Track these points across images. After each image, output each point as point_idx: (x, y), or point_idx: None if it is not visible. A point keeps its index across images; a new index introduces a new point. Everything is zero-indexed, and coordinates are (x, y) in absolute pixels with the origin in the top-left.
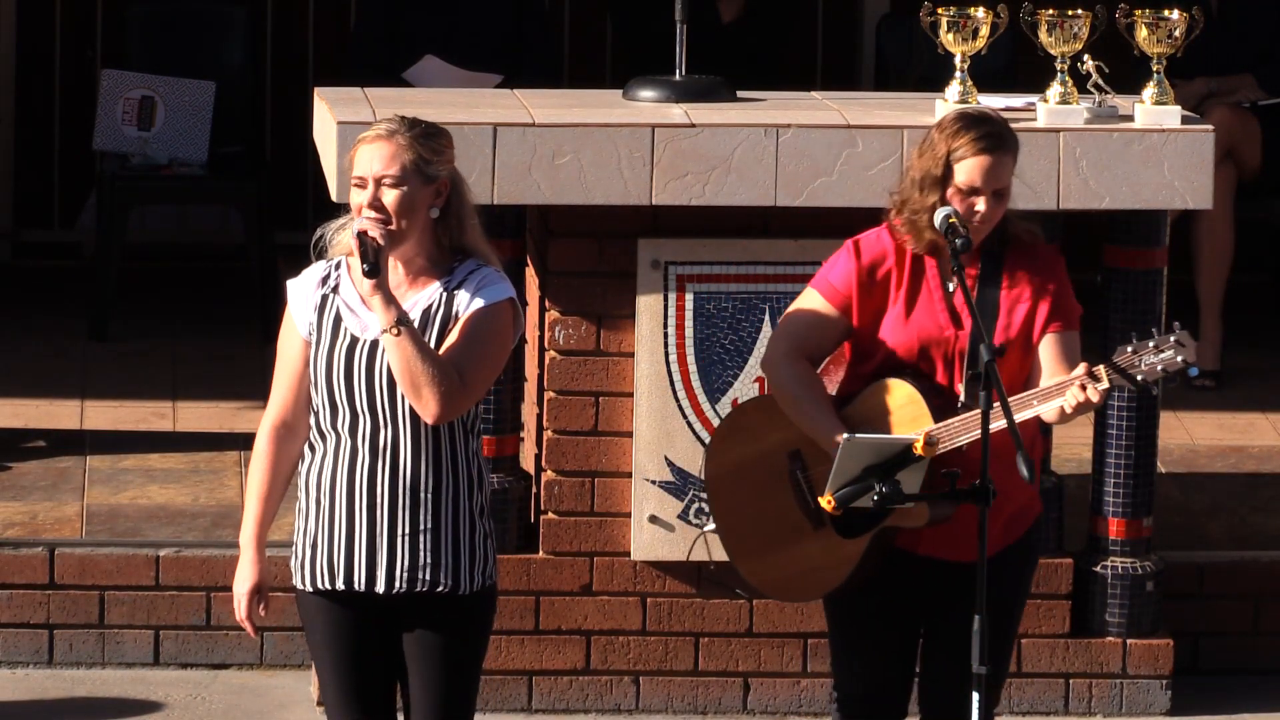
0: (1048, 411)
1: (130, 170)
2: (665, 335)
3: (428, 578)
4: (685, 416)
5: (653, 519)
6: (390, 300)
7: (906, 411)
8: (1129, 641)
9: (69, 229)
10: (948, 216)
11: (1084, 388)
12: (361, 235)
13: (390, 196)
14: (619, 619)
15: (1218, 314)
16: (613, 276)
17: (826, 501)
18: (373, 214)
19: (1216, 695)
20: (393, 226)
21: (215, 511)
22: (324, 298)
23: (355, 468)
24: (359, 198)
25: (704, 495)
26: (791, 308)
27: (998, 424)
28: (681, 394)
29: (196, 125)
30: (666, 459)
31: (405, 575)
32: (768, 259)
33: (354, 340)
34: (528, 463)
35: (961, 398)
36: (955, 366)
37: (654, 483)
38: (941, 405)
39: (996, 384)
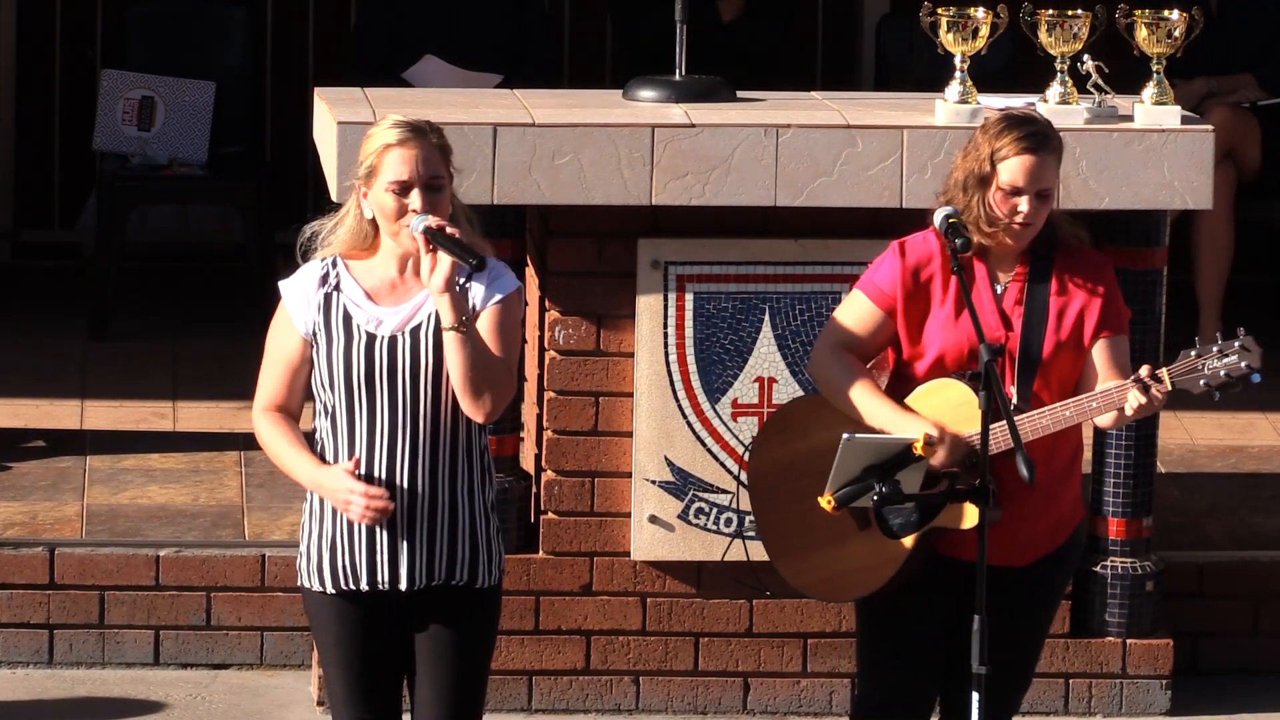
0: (1105, 418)
1: (130, 170)
2: (665, 335)
3: (446, 572)
4: (685, 416)
5: (653, 519)
6: (459, 297)
7: (962, 411)
8: (1129, 641)
9: (69, 229)
10: (948, 216)
11: (1145, 389)
12: (437, 232)
13: (436, 196)
14: (619, 619)
15: (1217, 314)
16: (613, 276)
17: (826, 501)
18: (432, 214)
19: (1216, 695)
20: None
21: (215, 511)
22: (327, 297)
23: (375, 464)
24: (412, 202)
25: (746, 492)
26: (836, 311)
27: (997, 424)
28: (681, 394)
29: (196, 125)
30: (666, 459)
31: (426, 570)
32: (768, 259)
33: (370, 337)
34: (528, 463)
35: (1014, 400)
36: (1006, 368)
37: (654, 483)
38: (995, 408)
39: (996, 384)
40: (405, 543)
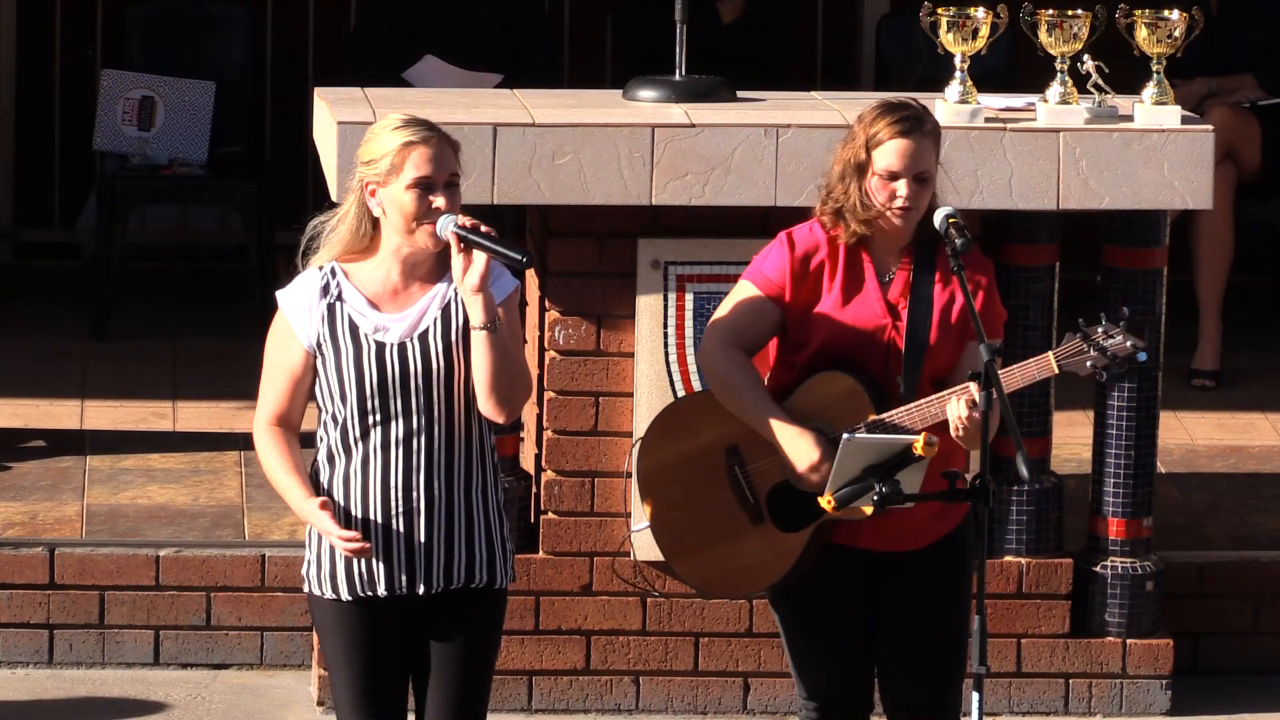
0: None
1: (130, 170)
2: (665, 335)
3: (465, 575)
4: None
5: None
6: (490, 296)
7: (848, 404)
8: (1129, 641)
9: (69, 229)
10: (948, 216)
11: (969, 403)
12: (472, 231)
13: (455, 194)
14: (619, 619)
15: (1217, 314)
16: (613, 276)
17: (827, 501)
18: (460, 214)
19: (1216, 695)
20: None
21: (215, 511)
22: (330, 308)
23: (391, 471)
24: (436, 201)
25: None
26: (725, 300)
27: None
28: (681, 394)
29: (196, 125)
30: None
31: (444, 574)
32: None
33: (380, 346)
34: (528, 463)
35: (901, 389)
36: (891, 358)
37: None
38: (881, 397)
39: (996, 383)
40: (424, 548)
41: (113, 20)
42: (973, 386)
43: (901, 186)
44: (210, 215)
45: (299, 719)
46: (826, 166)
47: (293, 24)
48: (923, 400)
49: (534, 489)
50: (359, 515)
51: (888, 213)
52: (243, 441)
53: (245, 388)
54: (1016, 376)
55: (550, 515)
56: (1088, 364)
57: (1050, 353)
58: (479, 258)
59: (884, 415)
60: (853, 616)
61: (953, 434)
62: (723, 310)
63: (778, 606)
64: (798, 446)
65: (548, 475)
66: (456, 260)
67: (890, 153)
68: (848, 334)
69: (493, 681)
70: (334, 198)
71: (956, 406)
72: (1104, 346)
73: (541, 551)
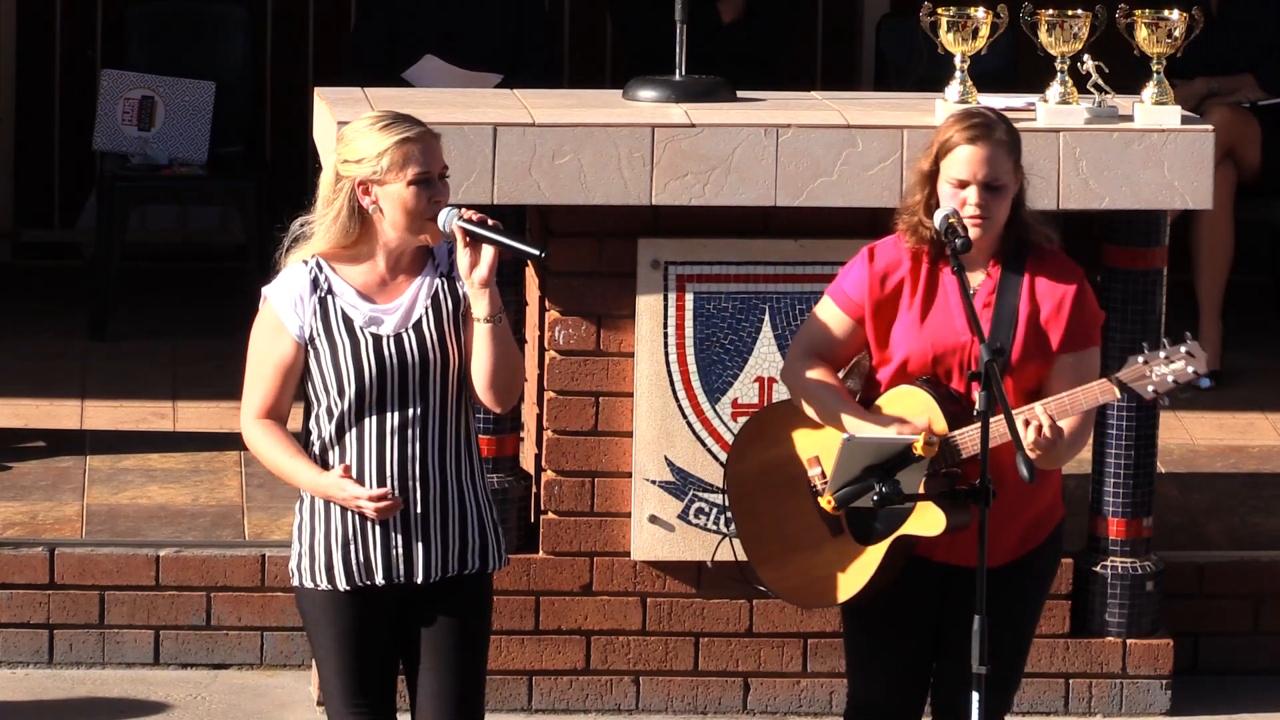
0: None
1: (130, 170)
2: (665, 335)
3: (459, 561)
4: (685, 416)
5: (653, 519)
6: (496, 289)
7: (926, 418)
8: (1129, 641)
9: (69, 229)
10: (947, 216)
11: (1036, 429)
12: (479, 225)
13: (446, 188)
14: (619, 619)
15: (1217, 314)
16: (613, 276)
17: (826, 501)
18: (463, 208)
19: (1216, 695)
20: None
21: (215, 511)
22: (322, 301)
23: (387, 461)
24: (436, 194)
25: (725, 499)
26: (808, 317)
27: (970, 427)
28: (681, 394)
29: (196, 125)
30: (666, 459)
31: (441, 561)
32: (767, 259)
33: (376, 338)
34: (528, 463)
35: (978, 405)
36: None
37: (654, 483)
38: (957, 413)
39: (996, 384)
40: (422, 535)
41: (113, 20)
42: (1038, 407)
43: (972, 193)
44: (210, 215)
45: (299, 719)
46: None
47: (293, 24)
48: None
49: (534, 489)
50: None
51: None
52: (243, 441)
53: None
54: (1080, 399)
55: (550, 515)
56: (1149, 388)
57: (1111, 376)
58: (487, 252)
59: (956, 433)
60: (921, 629)
61: (1030, 455)
62: (806, 328)
63: (846, 610)
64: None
65: (548, 475)
66: (462, 254)
67: (959, 160)
68: (929, 349)
69: (492, 681)
70: None
71: (1026, 434)
72: (1165, 373)
73: (541, 551)
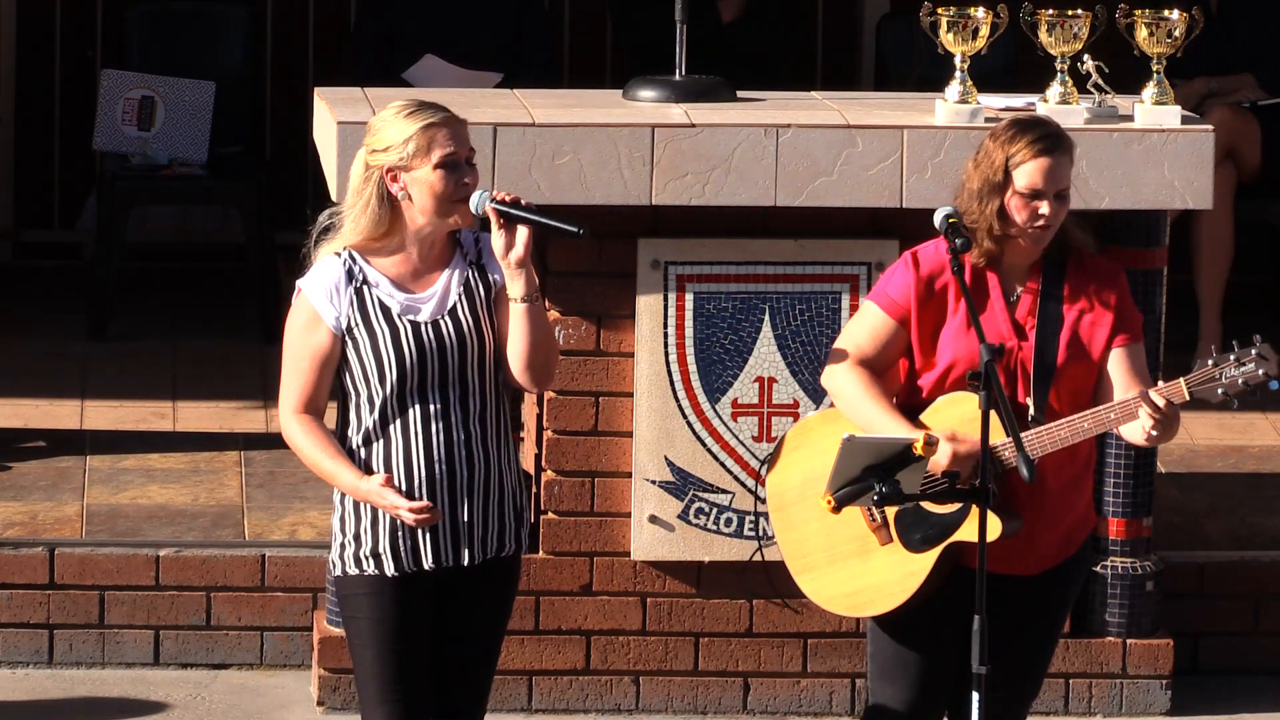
0: (1129, 432)
1: (130, 170)
2: (665, 335)
3: (498, 543)
4: (685, 416)
5: (653, 519)
6: (532, 269)
7: (978, 425)
8: (1129, 641)
9: (69, 229)
10: (948, 216)
11: (1154, 404)
12: (513, 205)
13: (474, 172)
14: (619, 619)
15: (1218, 314)
16: (613, 276)
17: (826, 501)
18: (495, 189)
19: (1216, 695)
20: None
21: (215, 511)
22: (358, 291)
23: (432, 446)
24: (466, 175)
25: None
26: (848, 323)
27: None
28: (681, 394)
29: (196, 125)
30: (666, 459)
31: (482, 543)
32: (767, 259)
33: (414, 325)
34: (528, 463)
35: (1030, 411)
36: (1019, 378)
37: (654, 483)
38: (1011, 418)
39: (996, 384)
40: (468, 517)
41: (113, 20)
42: (1144, 406)
43: (1044, 205)
44: (210, 215)
45: (299, 719)
46: (957, 185)
47: (293, 24)
48: (1056, 423)
49: (534, 489)
50: (403, 492)
51: (1029, 230)
52: (243, 441)
53: (245, 388)
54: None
55: (550, 515)
56: (1219, 391)
57: (1182, 379)
58: (522, 232)
59: (1016, 436)
60: (948, 639)
61: (1144, 441)
62: (847, 333)
63: (876, 617)
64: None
65: (548, 475)
66: (497, 236)
67: (1034, 172)
68: (974, 354)
69: (492, 681)
70: (334, 197)
71: (1142, 417)
72: (1235, 375)
73: (541, 551)
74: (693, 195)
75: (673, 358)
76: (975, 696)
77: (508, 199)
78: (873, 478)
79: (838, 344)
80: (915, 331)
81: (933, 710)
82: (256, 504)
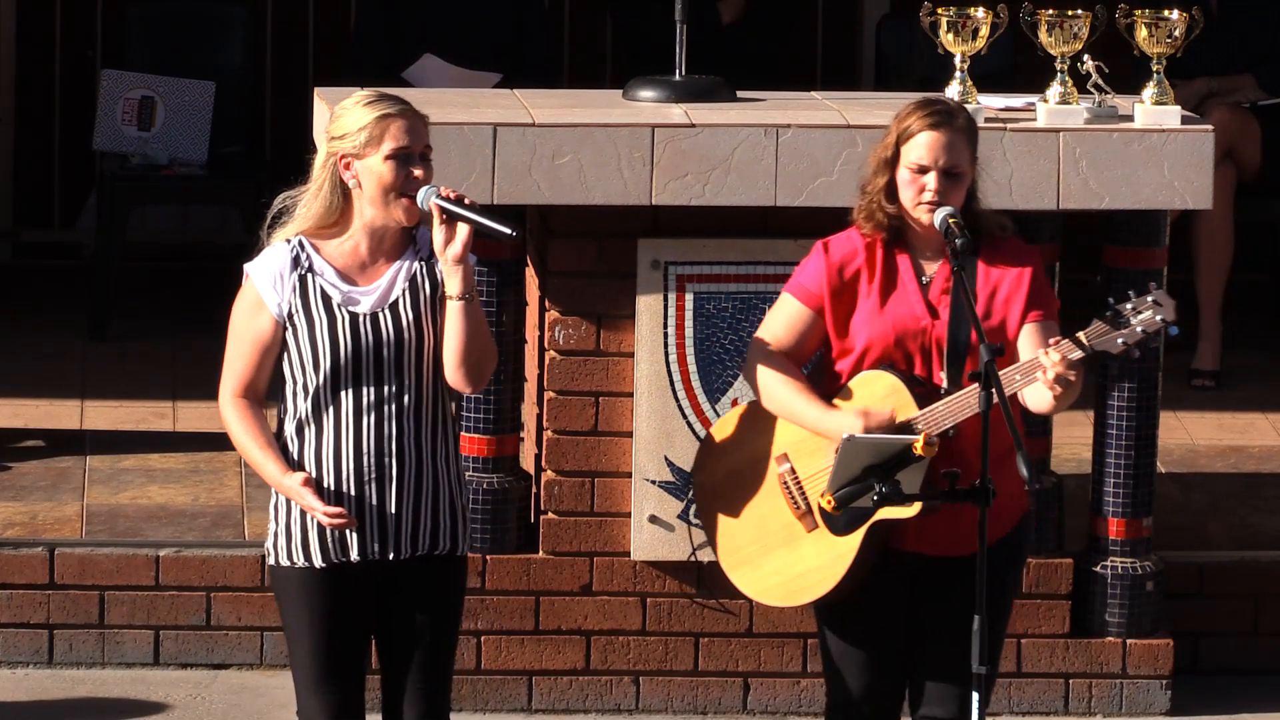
0: (1034, 397)
1: (130, 170)
2: (665, 335)
3: (430, 541)
4: (685, 416)
5: (653, 519)
6: (470, 267)
7: (890, 401)
8: (1129, 641)
9: (69, 229)
10: (948, 216)
11: (1054, 354)
12: (456, 202)
13: (429, 168)
14: (619, 619)
15: (1218, 314)
16: (613, 276)
17: (826, 501)
18: (441, 186)
19: (1216, 695)
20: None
21: (215, 511)
22: (302, 279)
23: (363, 438)
24: (415, 169)
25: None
26: (767, 315)
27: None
28: (681, 394)
29: (196, 125)
30: (666, 459)
31: (411, 539)
32: (768, 259)
33: (353, 316)
34: (528, 463)
35: (944, 385)
36: (933, 357)
37: (654, 483)
38: (924, 394)
39: (996, 384)
40: (395, 512)
41: (113, 20)
42: (1041, 354)
43: (931, 179)
44: (210, 215)
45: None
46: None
47: (293, 24)
48: (961, 391)
49: (534, 489)
50: (331, 482)
51: (916, 208)
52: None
53: None
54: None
55: (550, 515)
56: (1119, 340)
57: (1080, 333)
58: (462, 229)
59: (924, 411)
60: (893, 624)
61: (1049, 403)
62: (765, 325)
63: (819, 609)
64: (838, 420)
65: (548, 475)
66: (438, 231)
67: (919, 145)
68: (888, 337)
69: (492, 681)
70: None
71: (1047, 361)
72: (1134, 324)
73: (541, 551)
74: (693, 195)
75: (673, 358)
76: (975, 697)
77: (451, 196)
78: (873, 478)
79: (756, 335)
80: (830, 318)
81: (886, 701)
82: (256, 504)
